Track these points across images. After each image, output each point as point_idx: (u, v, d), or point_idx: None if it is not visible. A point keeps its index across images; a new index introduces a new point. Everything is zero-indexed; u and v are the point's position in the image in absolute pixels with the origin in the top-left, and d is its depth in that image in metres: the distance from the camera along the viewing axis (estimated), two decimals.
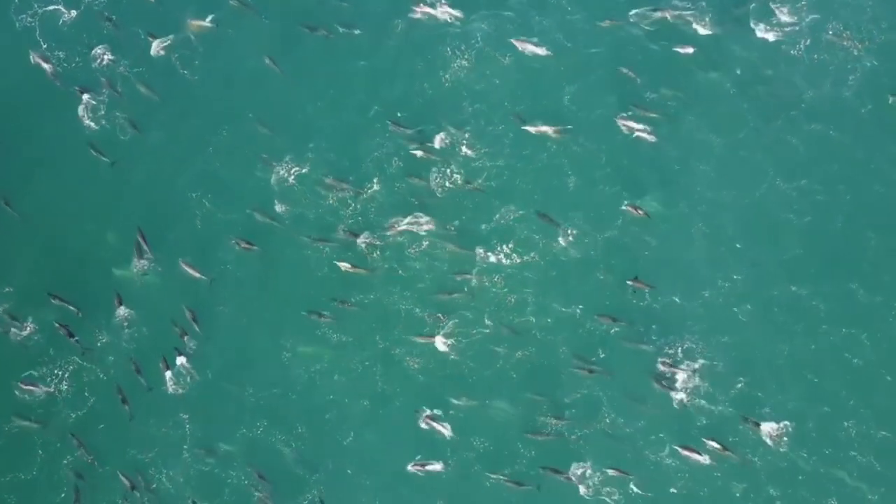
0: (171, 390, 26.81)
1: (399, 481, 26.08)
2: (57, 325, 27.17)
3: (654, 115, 29.41)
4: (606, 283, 27.83)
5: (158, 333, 27.41)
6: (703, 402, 26.56)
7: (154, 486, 25.98)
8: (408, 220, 28.36)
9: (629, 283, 27.56)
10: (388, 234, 28.29)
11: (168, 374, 26.81)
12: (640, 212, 28.40)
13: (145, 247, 28.01)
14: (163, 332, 27.36)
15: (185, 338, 27.15)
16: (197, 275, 27.85)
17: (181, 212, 28.83)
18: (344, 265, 27.93)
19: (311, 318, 27.43)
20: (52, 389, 26.70)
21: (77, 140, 29.35)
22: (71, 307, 27.40)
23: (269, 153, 29.23)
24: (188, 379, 26.93)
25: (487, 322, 27.47)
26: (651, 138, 29.22)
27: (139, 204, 28.89)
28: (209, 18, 30.63)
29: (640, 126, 29.32)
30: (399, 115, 29.64)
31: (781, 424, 26.22)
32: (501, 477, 25.93)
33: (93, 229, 28.69)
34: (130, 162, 29.33)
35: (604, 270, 27.96)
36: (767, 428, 26.18)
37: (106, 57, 30.26)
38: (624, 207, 28.50)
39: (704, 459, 25.87)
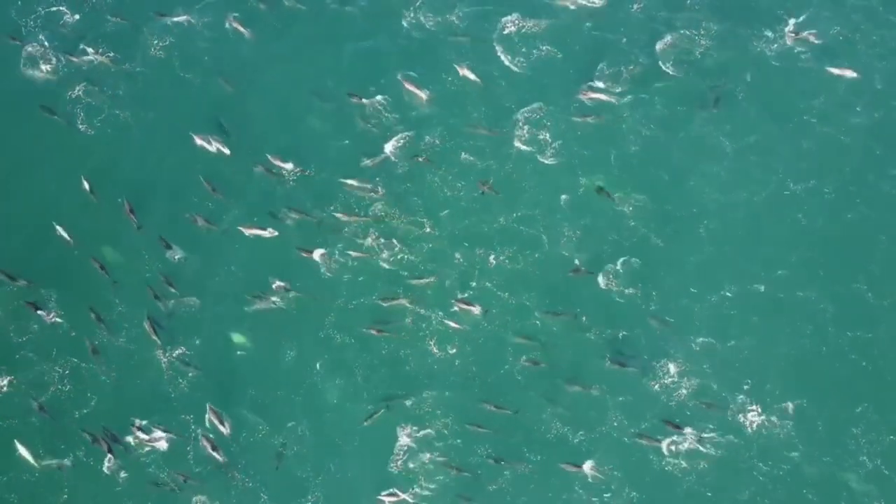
0: (165, 370, 27.75)
1: (402, 483, 26.77)
2: (26, 303, 28.14)
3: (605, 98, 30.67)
4: (611, 286, 28.52)
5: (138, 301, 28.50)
6: (706, 404, 27.20)
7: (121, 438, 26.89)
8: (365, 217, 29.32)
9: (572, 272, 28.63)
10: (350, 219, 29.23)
11: (157, 340, 27.83)
12: (611, 196, 29.33)
13: (133, 218, 29.04)
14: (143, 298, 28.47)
15: (161, 302, 28.15)
16: (175, 255, 28.78)
17: (157, 192, 29.84)
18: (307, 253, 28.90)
19: (255, 303, 28.30)
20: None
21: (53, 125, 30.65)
22: (21, 281, 28.32)
23: (271, 152, 30.14)
24: (188, 374, 27.74)
25: (490, 324, 28.23)
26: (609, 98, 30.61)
27: (113, 181, 29.91)
28: None
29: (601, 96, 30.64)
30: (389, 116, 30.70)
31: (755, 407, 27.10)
32: (444, 459, 26.81)
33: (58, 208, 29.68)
34: (108, 144, 30.52)
35: (609, 273, 28.62)
36: (750, 415, 27.04)
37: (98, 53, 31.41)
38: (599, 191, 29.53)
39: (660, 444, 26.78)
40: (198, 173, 29.70)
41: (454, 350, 28.01)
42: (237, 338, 28.19)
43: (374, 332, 28.03)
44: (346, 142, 30.39)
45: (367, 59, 31.62)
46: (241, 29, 31.82)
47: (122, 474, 26.68)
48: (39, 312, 28.07)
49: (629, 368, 27.53)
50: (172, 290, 28.34)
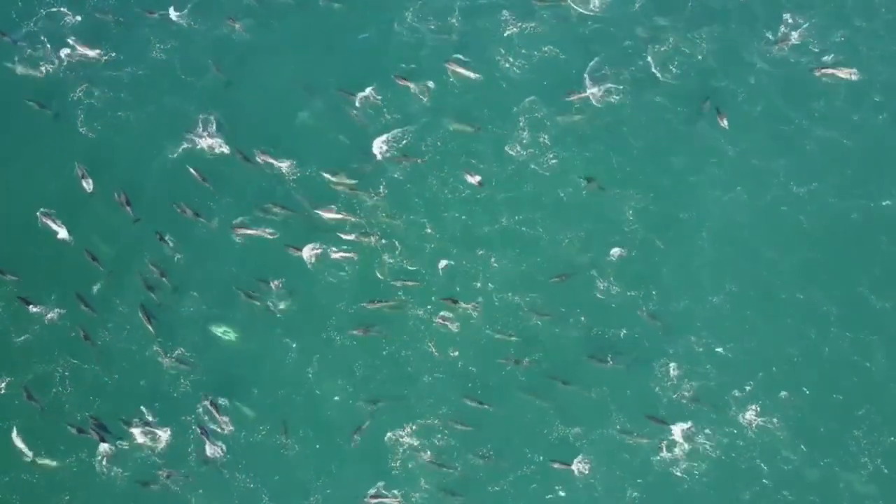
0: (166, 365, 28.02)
1: (406, 485, 26.96)
2: (19, 299, 28.41)
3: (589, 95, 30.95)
4: (613, 288, 28.70)
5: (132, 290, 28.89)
6: (708, 406, 27.44)
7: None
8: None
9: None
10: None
11: (150, 329, 28.14)
12: (601, 186, 29.68)
13: (130, 210, 29.34)
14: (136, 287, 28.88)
15: (155, 293, 28.54)
16: (171, 249, 29.09)
17: (155, 190, 30.09)
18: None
19: (242, 296, 28.54)
20: None
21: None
22: (10, 276, 28.60)
23: (268, 147, 30.39)
24: (190, 375, 27.92)
25: (492, 328, 28.38)
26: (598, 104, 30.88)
27: (111, 179, 30.17)
28: None
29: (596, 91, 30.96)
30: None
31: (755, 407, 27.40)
32: (445, 460, 26.99)
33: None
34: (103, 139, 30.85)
35: (612, 275, 28.86)
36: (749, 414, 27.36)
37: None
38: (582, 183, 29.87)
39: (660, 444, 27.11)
40: (199, 173, 29.93)
41: (456, 352, 28.17)
42: (220, 330, 28.42)
43: (360, 333, 28.24)
44: (346, 141, 30.59)
45: (366, 59, 31.83)
46: (237, 25, 32.09)
47: (123, 474, 26.87)
48: (34, 309, 28.26)
49: (611, 365, 27.70)
50: (166, 282, 28.58)
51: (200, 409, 27.45)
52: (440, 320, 28.36)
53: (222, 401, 27.58)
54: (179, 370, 27.92)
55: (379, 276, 28.90)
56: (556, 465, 26.90)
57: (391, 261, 29.04)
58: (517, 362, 27.90)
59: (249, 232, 29.28)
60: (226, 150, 30.32)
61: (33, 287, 28.72)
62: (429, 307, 28.55)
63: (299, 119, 31.07)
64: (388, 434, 27.33)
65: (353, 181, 29.76)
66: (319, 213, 29.40)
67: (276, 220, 29.43)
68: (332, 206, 29.53)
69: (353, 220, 29.45)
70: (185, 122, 30.77)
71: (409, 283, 28.72)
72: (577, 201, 29.79)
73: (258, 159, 29.99)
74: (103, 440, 26.93)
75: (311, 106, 31.17)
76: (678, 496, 26.67)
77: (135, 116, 30.99)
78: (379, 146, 30.27)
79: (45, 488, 26.80)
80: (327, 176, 29.79)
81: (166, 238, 29.05)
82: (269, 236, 29.25)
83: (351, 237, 29.23)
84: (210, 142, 30.30)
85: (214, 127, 30.57)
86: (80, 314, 28.33)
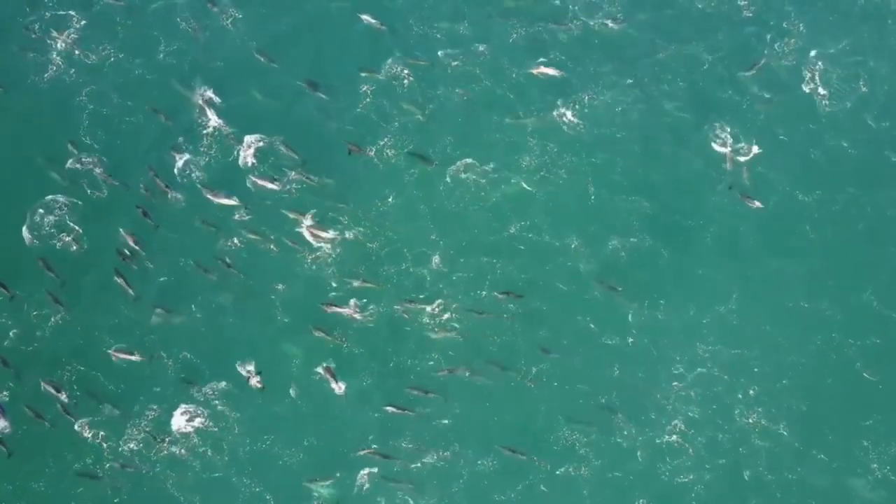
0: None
1: (409, 489, 27.12)
2: None
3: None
4: (617, 294, 28.96)
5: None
6: (711, 410, 27.75)
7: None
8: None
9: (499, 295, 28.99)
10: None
11: (130, 291, 28.67)
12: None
13: (112, 181, 29.94)
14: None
15: (132, 262, 29.01)
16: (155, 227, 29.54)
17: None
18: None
19: (201, 272, 28.94)
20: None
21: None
22: None
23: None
24: (194, 381, 28.09)
25: (500, 336, 28.64)
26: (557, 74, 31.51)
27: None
28: None
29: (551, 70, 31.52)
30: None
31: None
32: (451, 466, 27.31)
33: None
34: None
35: (615, 282, 29.08)
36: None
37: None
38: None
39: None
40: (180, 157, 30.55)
41: (461, 361, 28.28)
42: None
43: (320, 333, 28.41)
44: (347, 141, 30.81)
45: (367, 60, 32.09)
46: (237, 18, 32.63)
47: (128, 481, 26.99)
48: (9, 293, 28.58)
49: (553, 355, 28.01)
50: (141, 252, 29.05)
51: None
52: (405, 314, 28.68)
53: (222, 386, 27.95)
54: (186, 378, 28.05)
55: (376, 282, 29.12)
56: (506, 452, 27.11)
57: (396, 269, 29.30)
58: (451, 371, 28.08)
59: (223, 200, 29.80)
60: (229, 147, 30.76)
61: (33, 291, 28.89)
62: (434, 316, 28.75)
63: (298, 117, 31.36)
64: (391, 442, 27.49)
65: (314, 179, 30.05)
66: (290, 214, 29.81)
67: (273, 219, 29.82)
68: (310, 215, 29.79)
69: (329, 235, 29.67)
70: (186, 119, 31.08)
71: (424, 288, 29.04)
72: (584, 208, 30.10)
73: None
74: (67, 411, 27.16)
75: (311, 104, 31.48)
76: (684, 503, 26.96)
77: (147, 121, 31.21)
78: (382, 150, 30.62)
79: (51, 495, 26.87)
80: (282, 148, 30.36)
81: (150, 214, 29.41)
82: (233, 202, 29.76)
83: (350, 236, 29.55)
84: (209, 131, 30.70)
85: (214, 122, 30.91)
86: (96, 327, 28.60)
